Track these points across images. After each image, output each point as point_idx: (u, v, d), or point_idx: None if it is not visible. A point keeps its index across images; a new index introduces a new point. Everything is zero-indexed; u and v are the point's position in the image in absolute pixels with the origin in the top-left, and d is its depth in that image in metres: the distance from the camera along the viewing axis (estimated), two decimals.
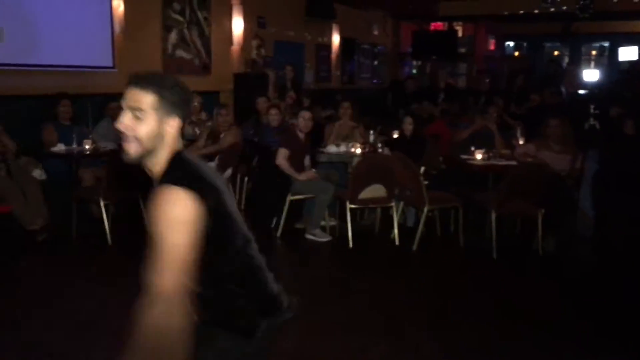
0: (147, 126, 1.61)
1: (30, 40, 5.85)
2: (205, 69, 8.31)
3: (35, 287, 4.20)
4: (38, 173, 5.50)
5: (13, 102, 5.69)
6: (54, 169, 5.61)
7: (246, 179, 6.53)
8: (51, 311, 3.77)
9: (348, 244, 5.23)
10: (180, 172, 1.60)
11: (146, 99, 1.60)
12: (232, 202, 1.73)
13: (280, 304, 1.82)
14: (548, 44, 18.01)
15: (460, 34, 15.17)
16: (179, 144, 1.68)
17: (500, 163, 5.47)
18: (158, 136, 1.63)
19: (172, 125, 1.64)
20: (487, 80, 9.60)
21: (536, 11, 11.80)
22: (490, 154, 5.58)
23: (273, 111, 6.53)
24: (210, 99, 7.71)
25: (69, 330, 3.50)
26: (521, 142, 6.00)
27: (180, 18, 7.77)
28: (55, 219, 5.17)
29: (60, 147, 5.43)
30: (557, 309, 4.06)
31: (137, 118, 1.61)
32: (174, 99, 1.63)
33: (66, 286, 4.21)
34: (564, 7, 11.11)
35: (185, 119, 1.70)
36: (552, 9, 10.92)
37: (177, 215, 1.51)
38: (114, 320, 3.62)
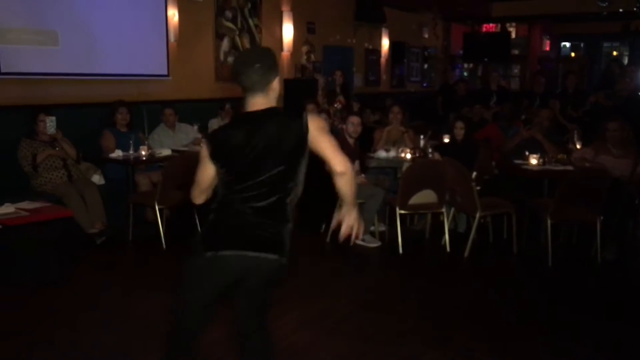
0: None
1: (89, 52, 6.10)
2: None
3: (92, 288, 4.36)
4: (97, 178, 5.73)
5: (74, 110, 5.93)
6: (111, 174, 5.82)
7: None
8: (107, 312, 3.91)
9: (398, 249, 5.19)
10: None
11: None
12: None
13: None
14: (606, 44, 17.32)
15: (513, 35, 14.80)
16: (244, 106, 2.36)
17: (556, 168, 5.31)
18: None
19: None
20: (542, 82, 9.29)
21: (593, 11, 11.40)
22: (546, 159, 5.42)
23: (322, 116, 6.55)
24: None
25: (124, 332, 3.62)
26: (578, 146, 5.81)
27: (232, 26, 7.92)
28: (113, 223, 5.36)
29: (117, 153, 5.62)
30: (617, 320, 3.89)
31: None
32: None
33: (122, 288, 4.36)
34: (622, 6, 10.67)
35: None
36: (605, 9, 10.50)
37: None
38: (167, 322, 3.72)
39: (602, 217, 4.85)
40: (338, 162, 2.29)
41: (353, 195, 2.36)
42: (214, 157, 2.32)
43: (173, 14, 6.94)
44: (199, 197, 2.44)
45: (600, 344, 3.54)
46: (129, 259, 5.11)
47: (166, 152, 5.84)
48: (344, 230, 2.37)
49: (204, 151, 2.34)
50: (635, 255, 5.31)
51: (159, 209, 5.18)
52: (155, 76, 6.86)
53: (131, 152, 5.61)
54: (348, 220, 2.37)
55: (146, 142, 5.84)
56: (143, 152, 5.57)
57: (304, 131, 2.29)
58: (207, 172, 2.36)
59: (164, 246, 5.19)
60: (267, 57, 2.35)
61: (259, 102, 2.33)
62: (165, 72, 6.91)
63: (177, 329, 2.54)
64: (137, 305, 4.01)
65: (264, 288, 2.44)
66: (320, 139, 2.30)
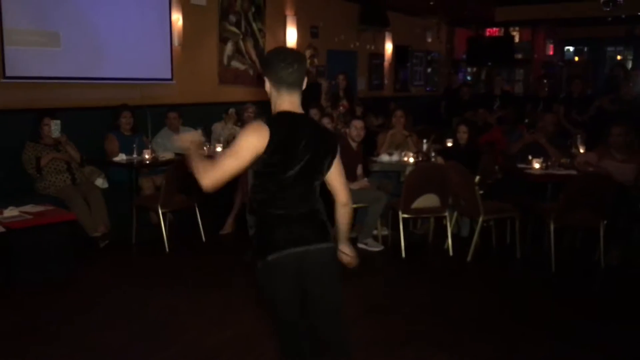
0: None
1: (94, 56, 6.12)
2: (260, 79, 8.42)
3: (96, 291, 4.37)
4: (100, 182, 5.75)
5: (78, 114, 5.95)
6: (115, 178, 5.83)
7: None
8: (111, 314, 3.91)
9: (401, 253, 5.18)
10: None
11: None
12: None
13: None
14: (610, 48, 17.30)
15: (517, 39, 14.81)
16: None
17: (559, 172, 5.30)
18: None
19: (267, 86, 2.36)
20: (546, 87, 9.28)
21: (596, 15, 11.39)
22: (549, 163, 5.41)
23: (325, 120, 6.56)
24: (264, 109, 7.81)
25: (128, 333, 3.62)
26: (582, 150, 5.80)
27: (235, 30, 7.94)
28: (116, 226, 5.38)
29: (121, 157, 5.64)
30: (621, 325, 3.88)
31: None
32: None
33: (125, 290, 4.37)
34: (626, 11, 10.66)
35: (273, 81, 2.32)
36: (609, 14, 10.49)
37: None
38: (171, 324, 3.73)
39: (605, 222, 4.83)
40: (346, 194, 2.43)
41: (348, 226, 2.51)
42: (271, 152, 2.18)
43: (177, 18, 6.97)
44: (214, 185, 2.22)
45: (604, 349, 3.52)
46: (132, 261, 5.12)
47: (169, 155, 5.85)
48: (347, 264, 2.52)
49: (252, 140, 2.17)
50: (638, 260, 5.28)
51: (162, 212, 5.19)
52: (159, 80, 6.89)
53: (135, 155, 5.63)
54: (347, 259, 2.52)
55: (150, 146, 5.86)
56: (146, 156, 5.59)
57: (334, 150, 2.36)
58: (242, 163, 2.20)
59: (167, 249, 5.20)
60: (305, 59, 2.39)
61: (296, 101, 2.32)
62: (169, 76, 6.94)
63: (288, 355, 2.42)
64: (140, 308, 4.02)
65: (327, 280, 2.39)
66: (338, 166, 2.38)
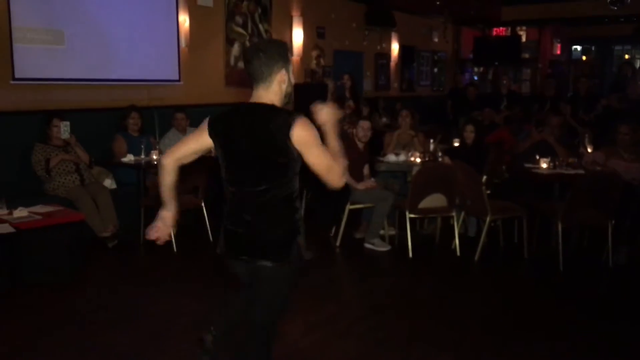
0: None
1: (102, 57, 6.17)
2: None
3: (104, 291, 4.40)
4: (109, 182, 5.78)
5: (86, 115, 5.99)
6: (123, 178, 5.87)
7: (305, 189, 6.59)
8: (119, 314, 3.94)
9: (408, 253, 5.18)
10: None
11: None
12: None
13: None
14: (618, 47, 17.21)
15: (524, 38, 14.76)
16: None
17: (567, 172, 5.28)
18: None
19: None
20: (553, 86, 9.25)
21: (604, 15, 11.34)
22: (557, 163, 5.40)
23: None
24: None
25: (136, 333, 3.64)
26: (589, 149, 5.78)
27: (242, 31, 7.97)
28: (125, 226, 5.41)
29: (129, 158, 5.67)
30: (629, 324, 3.87)
31: None
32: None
33: (133, 291, 4.39)
34: (634, 9, 10.60)
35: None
36: (617, 13, 10.44)
37: None
38: (179, 324, 3.75)
39: (613, 221, 4.82)
40: (329, 181, 2.28)
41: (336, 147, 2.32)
42: (215, 145, 2.36)
43: (184, 20, 7.01)
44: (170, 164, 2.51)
45: (612, 348, 3.51)
46: (141, 262, 5.15)
47: None
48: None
49: (200, 129, 2.37)
50: None
51: None
52: (166, 81, 6.93)
53: (142, 156, 5.66)
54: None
55: (157, 147, 5.89)
56: (154, 157, 5.62)
57: (283, 136, 2.18)
58: (189, 146, 2.44)
59: (175, 249, 5.23)
60: (273, 46, 2.30)
61: (258, 94, 2.28)
62: (177, 77, 6.98)
63: (270, 340, 2.52)
64: (148, 308, 4.05)
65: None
66: (307, 155, 2.23)
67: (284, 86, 2.31)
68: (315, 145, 2.21)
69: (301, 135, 2.19)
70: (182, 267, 4.95)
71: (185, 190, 5.44)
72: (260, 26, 8.25)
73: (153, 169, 5.80)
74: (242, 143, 2.26)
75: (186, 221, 5.87)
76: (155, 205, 5.43)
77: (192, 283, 4.55)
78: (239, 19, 7.89)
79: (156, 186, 5.83)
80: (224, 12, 7.66)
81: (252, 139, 2.24)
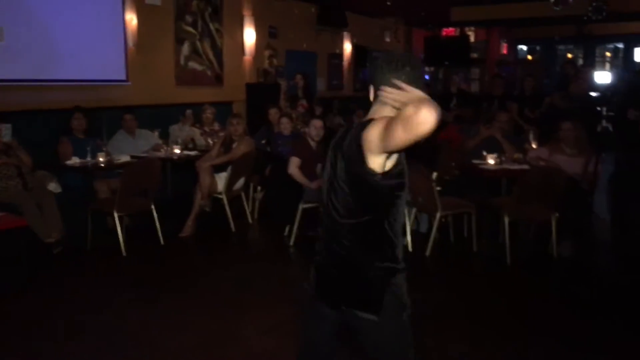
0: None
1: (45, 57, 5.97)
2: (218, 79, 8.39)
3: (50, 298, 4.25)
4: (53, 186, 5.59)
5: (29, 117, 5.79)
6: (69, 182, 5.69)
7: (259, 188, 6.56)
8: (65, 322, 3.82)
9: None
10: None
11: None
12: None
13: None
14: (561, 47, 17.87)
15: (472, 39, 15.12)
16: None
17: (512, 167, 5.43)
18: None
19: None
20: (501, 85, 9.50)
21: (548, 15, 11.73)
22: (503, 159, 5.54)
23: (284, 120, 6.57)
24: (223, 110, 7.78)
25: (83, 341, 3.54)
26: (534, 146, 5.96)
27: (192, 30, 7.86)
28: (72, 231, 5.24)
29: (75, 160, 5.51)
30: (573, 315, 4.01)
31: None
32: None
33: (80, 297, 4.26)
34: (576, 10, 11.02)
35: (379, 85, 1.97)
36: (560, 13, 10.82)
37: None
38: (128, 329, 3.67)
39: (557, 214, 4.99)
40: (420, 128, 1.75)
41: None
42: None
43: (131, 19, 6.86)
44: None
45: (558, 336, 3.63)
46: (88, 268, 4.99)
47: (125, 158, 5.75)
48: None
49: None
50: (590, 250, 5.47)
51: (118, 216, 5.09)
52: (114, 81, 6.76)
53: (89, 159, 5.51)
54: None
55: (104, 149, 5.75)
56: (101, 159, 5.48)
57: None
58: None
59: (124, 254, 5.11)
60: (419, 63, 2.02)
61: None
62: (124, 77, 6.82)
63: None
64: (96, 315, 3.93)
65: None
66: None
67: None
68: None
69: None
70: (131, 272, 4.84)
71: (134, 192, 5.32)
72: (211, 25, 8.16)
73: (100, 172, 5.66)
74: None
75: (135, 224, 5.77)
76: (103, 209, 5.34)
77: (141, 288, 4.45)
78: (188, 18, 7.78)
79: (104, 190, 5.74)
80: (173, 11, 7.54)
81: None
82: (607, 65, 17.08)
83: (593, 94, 7.87)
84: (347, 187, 1.95)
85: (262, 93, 8.66)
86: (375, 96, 2.02)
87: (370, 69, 2.09)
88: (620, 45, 17.13)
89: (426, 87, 1.98)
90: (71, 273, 4.81)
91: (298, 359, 2.25)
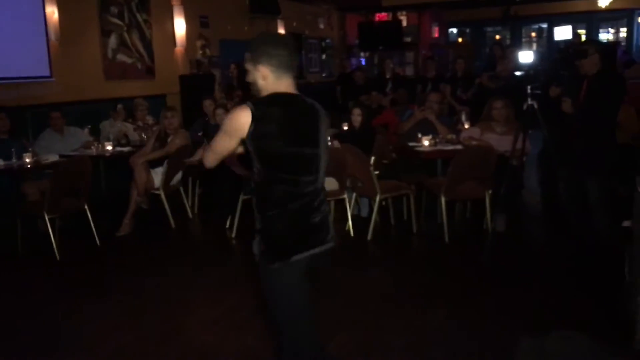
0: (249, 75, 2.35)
1: None
2: (149, 72, 8.15)
3: None
4: None
5: None
6: None
7: (197, 181, 6.45)
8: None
9: None
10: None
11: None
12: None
13: None
14: (489, 29, 18.41)
15: (404, 23, 15.33)
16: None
17: (446, 148, 5.57)
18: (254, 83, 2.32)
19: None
20: (433, 67, 9.71)
21: None
22: (437, 140, 5.67)
23: (219, 111, 6.46)
24: (156, 103, 7.57)
25: (17, 348, 3.39)
26: (466, 126, 6.12)
27: (119, 22, 7.59)
28: (0, 237, 5.00)
29: None
30: (510, 286, 4.18)
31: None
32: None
33: (12, 305, 4.08)
34: None
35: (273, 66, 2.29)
36: None
37: None
38: (63, 335, 3.54)
39: (490, 191, 5.16)
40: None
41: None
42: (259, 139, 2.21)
43: (52, 12, 6.54)
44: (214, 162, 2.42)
45: (495, 308, 3.77)
46: (19, 274, 4.77)
47: (53, 157, 5.51)
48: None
49: (237, 123, 2.21)
50: (522, 224, 5.70)
51: (50, 218, 4.88)
52: (36, 78, 6.45)
53: (14, 160, 5.25)
54: None
55: (30, 149, 5.49)
56: (27, 160, 5.23)
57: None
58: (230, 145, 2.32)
59: (57, 257, 4.90)
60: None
61: (293, 84, 2.37)
62: (48, 73, 6.51)
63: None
64: (29, 322, 3.77)
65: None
66: None
67: None
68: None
69: None
70: (66, 276, 4.66)
71: (66, 193, 5.11)
72: (138, 16, 7.90)
73: (28, 173, 5.40)
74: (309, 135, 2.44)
75: (68, 225, 5.56)
76: (32, 211, 5.10)
77: (76, 291, 4.29)
78: (114, 9, 7.50)
79: (34, 192, 5.48)
80: (97, 2, 7.25)
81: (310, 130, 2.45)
82: (534, 45, 17.75)
83: (518, 73, 8.15)
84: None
85: (196, 84, 8.49)
86: (287, 69, 2.35)
87: (257, 47, 2.32)
88: (544, 26, 17.83)
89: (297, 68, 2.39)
90: (1, 280, 4.58)
91: (307, 326, 2.55)
